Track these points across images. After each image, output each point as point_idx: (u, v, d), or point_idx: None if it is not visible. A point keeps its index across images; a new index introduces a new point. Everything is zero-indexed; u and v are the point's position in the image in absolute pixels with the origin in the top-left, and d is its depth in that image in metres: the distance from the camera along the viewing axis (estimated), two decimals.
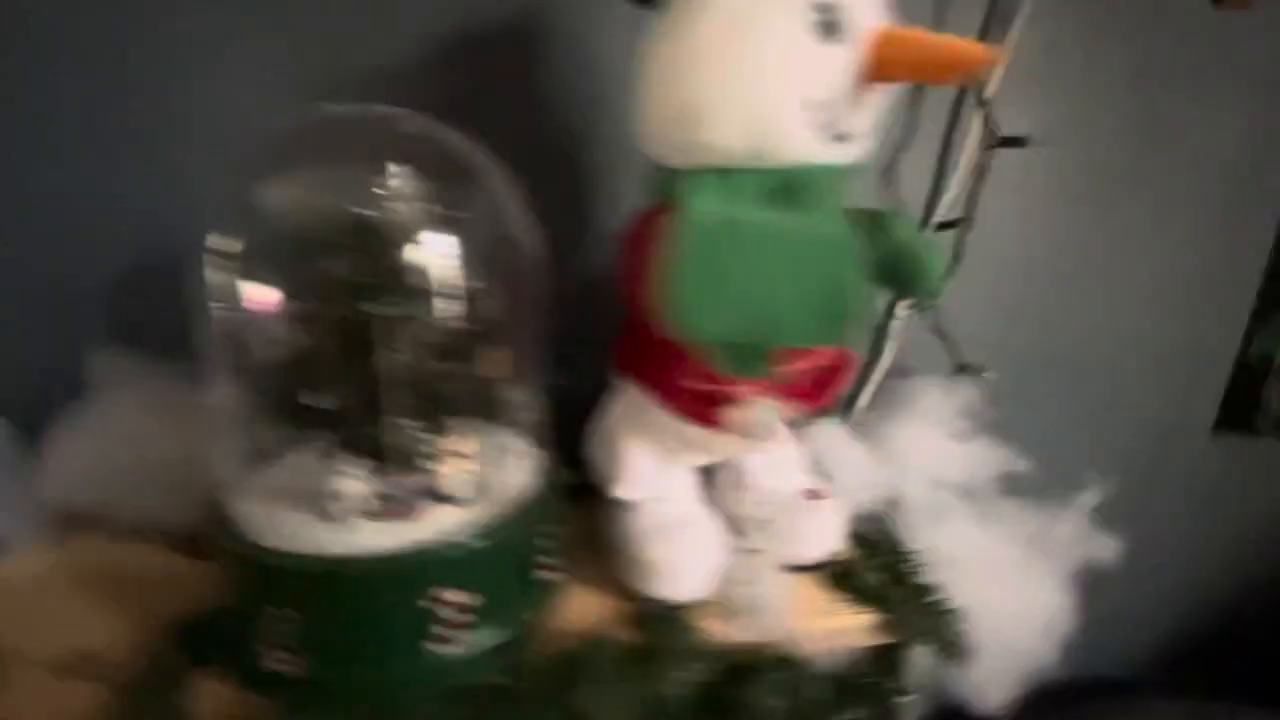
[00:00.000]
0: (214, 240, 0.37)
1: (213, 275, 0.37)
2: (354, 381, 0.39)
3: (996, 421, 0.67)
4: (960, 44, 0.34)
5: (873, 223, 0.48)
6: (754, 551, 0.48)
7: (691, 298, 0.32)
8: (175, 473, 0.53)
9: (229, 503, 0.41)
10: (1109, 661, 0.99)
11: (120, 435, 0.56)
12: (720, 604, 0.46)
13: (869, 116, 0.42)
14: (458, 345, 0.41)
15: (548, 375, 0.50)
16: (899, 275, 0.48)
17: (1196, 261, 0.82)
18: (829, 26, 0.37)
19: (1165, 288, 0.82)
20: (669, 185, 0.40)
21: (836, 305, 0.37)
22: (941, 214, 0.70)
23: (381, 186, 0.40)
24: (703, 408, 0.41)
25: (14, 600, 0.49)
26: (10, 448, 0.56)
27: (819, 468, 0.57)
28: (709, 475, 0.56)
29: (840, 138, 0.40)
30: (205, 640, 0.41)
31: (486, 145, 0.45)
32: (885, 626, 0.49)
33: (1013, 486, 0.66)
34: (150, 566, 0.51)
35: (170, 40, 0.55)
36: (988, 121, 0.62)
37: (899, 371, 0.74)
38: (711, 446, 0.45)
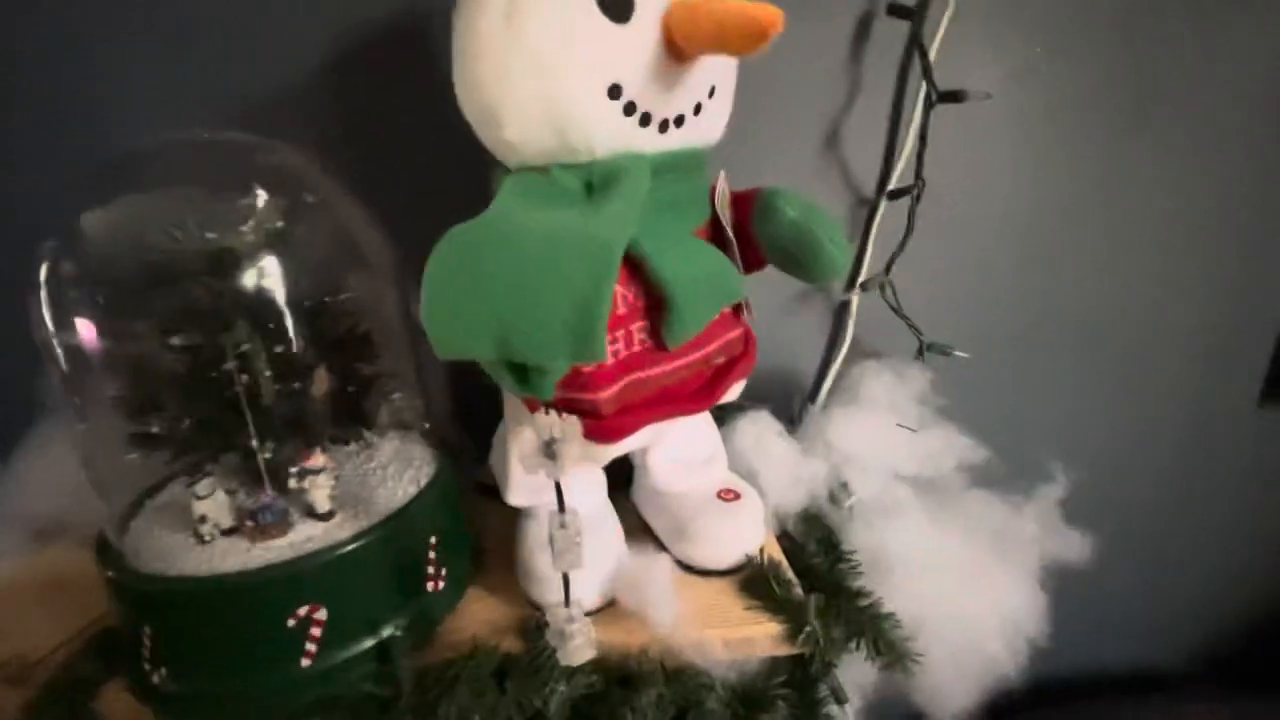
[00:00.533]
0: (55, 269, 0.38)
1: (55, 306, 0.38)
2: (211, 407, 0.40)
3: (966, 407, 0.61)
4: (755, 8, 0.30)
5: (762, 204, 0.44)
6: (653, 554, 0.46)
7: (436, 313, 0.30)
8: None
9: (111, 530, 0.43)
10: (1141, 656, 0.91)
11: None
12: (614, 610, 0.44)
13: (693, 96, 0.38)
14: (314, 362, 0.41)
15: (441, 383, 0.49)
16: (796, 258, 0.44)
17: (1216, 220, 0.71)
18: (616, 4, 0.33)
19: (1175, 254, 0.72)
20: (492, 187, 0.37)
21: (585, 322, 0.31)
22: (895, 182, 0.64)
23: (228, 211, 0.40)
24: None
25: None
26: None
27: (741, 464, 0.54)
28: (626, 477, 0.55)
29: (664, 124, 0.36)
30: (111, 653, 0.44)
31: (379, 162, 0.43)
32: (800, 635, 0.46)
33: (980, 477, 0.61)
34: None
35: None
36: (927, 75, 0.55)
37: (864, 356, 0.69)
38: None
